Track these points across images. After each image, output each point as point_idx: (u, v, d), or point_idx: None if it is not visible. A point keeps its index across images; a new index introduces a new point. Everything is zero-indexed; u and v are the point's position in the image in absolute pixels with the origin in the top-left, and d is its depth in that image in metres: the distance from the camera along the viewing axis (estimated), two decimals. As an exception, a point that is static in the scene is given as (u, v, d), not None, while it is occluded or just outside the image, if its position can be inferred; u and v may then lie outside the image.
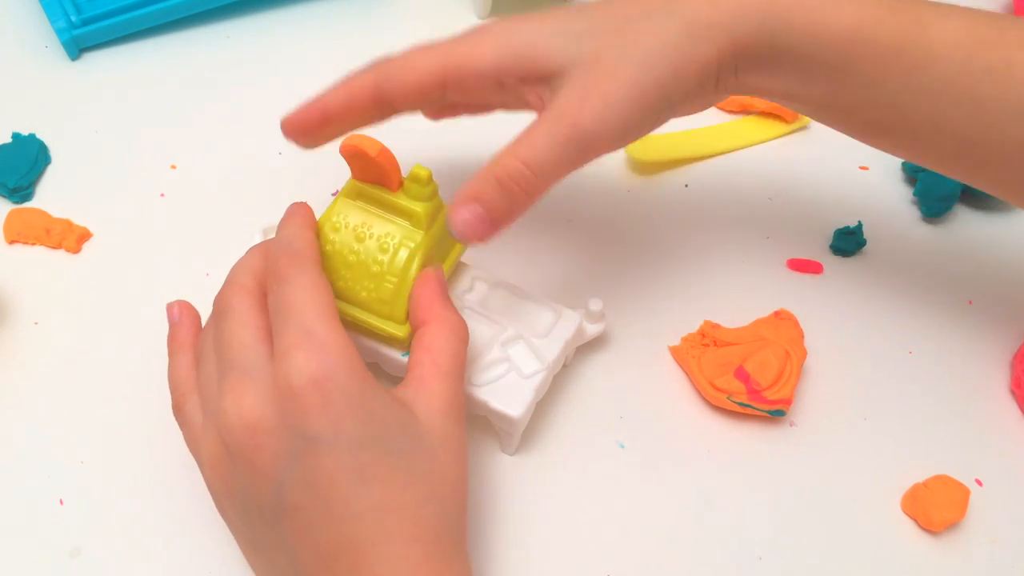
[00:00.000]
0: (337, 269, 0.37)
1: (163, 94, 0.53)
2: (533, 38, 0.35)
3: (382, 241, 0.36)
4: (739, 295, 0.46)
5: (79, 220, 0.47)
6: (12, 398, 0.42)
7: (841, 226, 0.48)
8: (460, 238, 0.34)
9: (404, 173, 0.37)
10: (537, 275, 0.45)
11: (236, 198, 0.48)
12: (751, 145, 0.52)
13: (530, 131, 0.34)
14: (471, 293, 0.41)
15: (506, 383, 0.38)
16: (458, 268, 0.41)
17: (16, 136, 0.50)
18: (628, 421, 0.42)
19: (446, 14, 0.56)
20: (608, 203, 0.49)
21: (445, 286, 0.36)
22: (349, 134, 0.36)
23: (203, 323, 0.37)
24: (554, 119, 0.34)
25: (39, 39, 0.55)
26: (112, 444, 0.40)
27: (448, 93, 0.36)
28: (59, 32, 0.53)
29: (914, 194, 0.50)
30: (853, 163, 0.51)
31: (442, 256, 0.39)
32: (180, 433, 0.35)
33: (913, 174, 0.50)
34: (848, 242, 0.47)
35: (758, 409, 0.41)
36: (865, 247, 0.48)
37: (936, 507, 0.39)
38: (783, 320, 0.43)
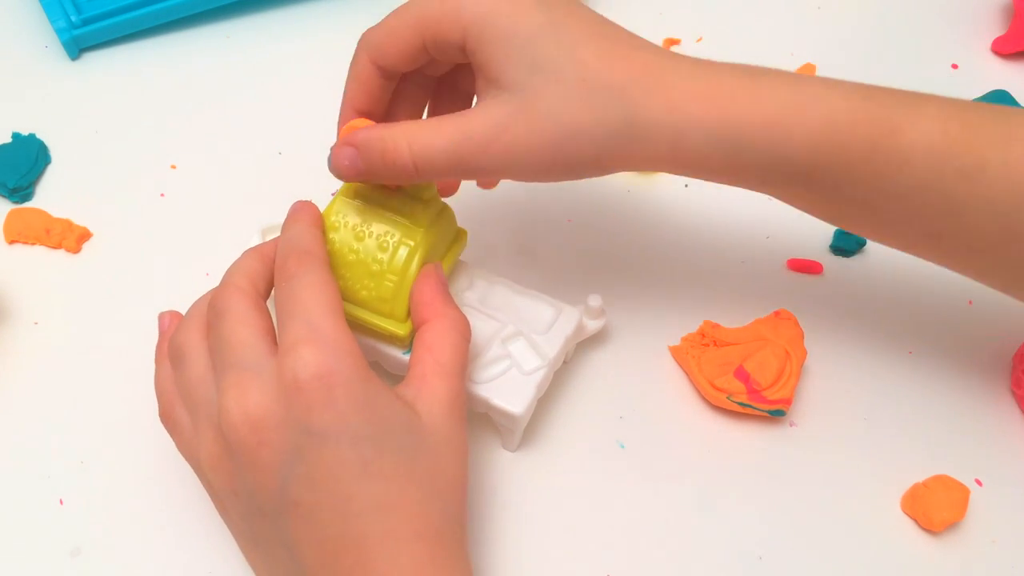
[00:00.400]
0: (337, 268, 0.37)
1: (163, 94, 0.53)
2: (494, 30, 0.33)
3: (381, 240, 0.36)
4: (739, 295, 0.46)
5: (79, 220, 0.47)
6: (12, 398, 0.42)
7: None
8: (332, 171, 0.35)
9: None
10: (537, 275, 0.45)
11: (236, 198, 0.48)
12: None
13: (444, 126, 0.33)
14: (471, 291, 0.41)
15: (507, 380, 0.38)
16: (458, 266, 0.41)
17: (16, 136, 0.50)
18: (628, 421, 0.42)
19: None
20: (608, 203, 0.49)
21: (445, 283, 0.36)
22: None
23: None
24: (457, 128, 0.33)
25: (39, 39, 0.55)
26: (112, 444, 0.40)
27: (429, 52, 0.36)
28: (59, 32, 0.53)
29: (914, 194, 0.50)
30: (853, 163, 0.51)
31: (441, 254, 0.39)
32: (192, 418, 0.35)
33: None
34: (848, 242, 0.47)
35: (758, 409, 0.41)
36: (865, 247, 0.48)
37: (936, 507, 0.39)
38: (783, 320, 0.43)
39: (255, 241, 0.42)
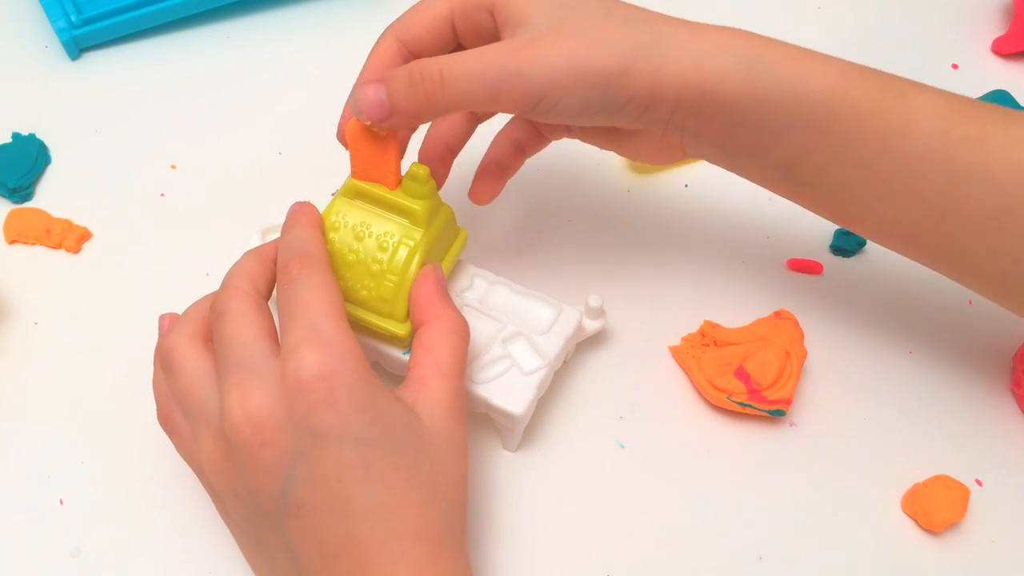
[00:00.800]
0: (337, 268, 0.37)
1: (163, 94, 0.53)
2: None
3: (381, 240, 0.36)
4: (739, 295, 0.46)
5: (79, 220, 0.47)
6: (12, 398, 0.42)
7: (841, 226, 0.48)
8: (356, 111, 0.35)
9: (403, 172, 0.37)
10: (537, 275, 0.45)
11: (236, 198, 0.48)
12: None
13: (468, 52, 0.34)
14: (471, 291, 0.41)
15: (507, 380, 0.38)
16: (457, 266, 0.41)
17: (16, 136, 0.50)
18: (628, 421, 0.42)
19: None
20: (608, 203, 0.49)
21: (444, 284, 0.36)
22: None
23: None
24: (488, 49, 0.34)
25: (39, 39, 0.55)
26: (112, 444, 0.40)
27: (457, 29, 0.37)
28: (59, 32, 0.53)
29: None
30: (853, 163, 0.51)
31: (441, 254, 0.39)
32: (190, 422, 0.35)
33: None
34: (848, 242, 0.47)
35: (758, 409, 0.41)
36: (865, 247, 0.48)
37: (936, 507, 0.39)
38: (783, 320, 0.43)
39: (255, 241, 0.42)
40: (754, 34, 0.35)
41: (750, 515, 0.40)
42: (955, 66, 0.56)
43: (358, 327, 0.37)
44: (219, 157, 0.50)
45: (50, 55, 0.54)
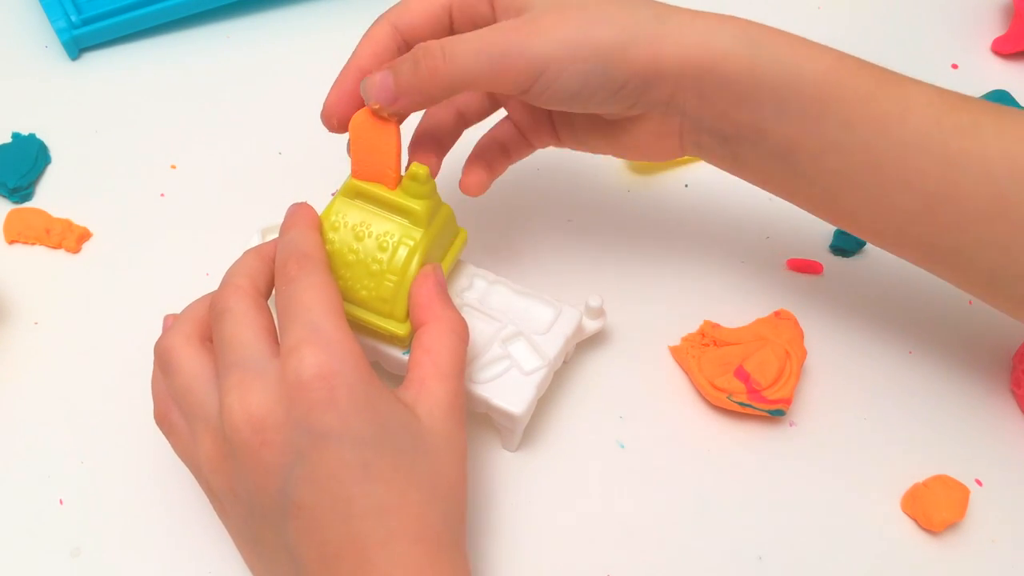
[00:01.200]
0: (337, 268, 0.37)
1: (163, 94, 0.53)
2: None
3: (381, 240, 0.36)
4: (739, 295, 0.46)
5: (79, 220, 0.47)
6: (12, 398, 0.42)
7: (841, 226, 0.48)
8: (364, 95, 0.35)
9: (402, 172, 0.37)
10: (537, 274, 0.45)
11: (236, 198, 0.48)
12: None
13: (470, 33, 0.35)
14: (470, 291, 0.41)
15: (507, 380, 0.38)
16: (457, 266, 0.41)
17: (16, 136, 0.50)
18: (628, 421, 0.42)
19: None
20: (608, 203, 0.49)
21: (444, 285, 0.36)
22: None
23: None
24: (490, 29, 0.35)
25: (39, 39, 0.55)
26: (112, 444, 0.40)
27: (453, 18, 0.37)
28: (59, 32, 0.53)
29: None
30: (853, 163, 0.51)
31: (441, 254, 0.39)
32: (188, 422, 0.35)
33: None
34: (848, 242, 0.47)
35: (758, 409, 0.41)
36: (865, 247, 0.48)
37: (936, 507, 0.39)
38: (783, 320, 0.43)
39: (255, 241, 0.42)
40: (752, 20, 0.36)
41: (750, 515, 0.40)
42: (955, 66, 0.56)
43: (358, 327, 0.37)
44: (219, 157, 0.50)
45: (50, 55, 0.54)
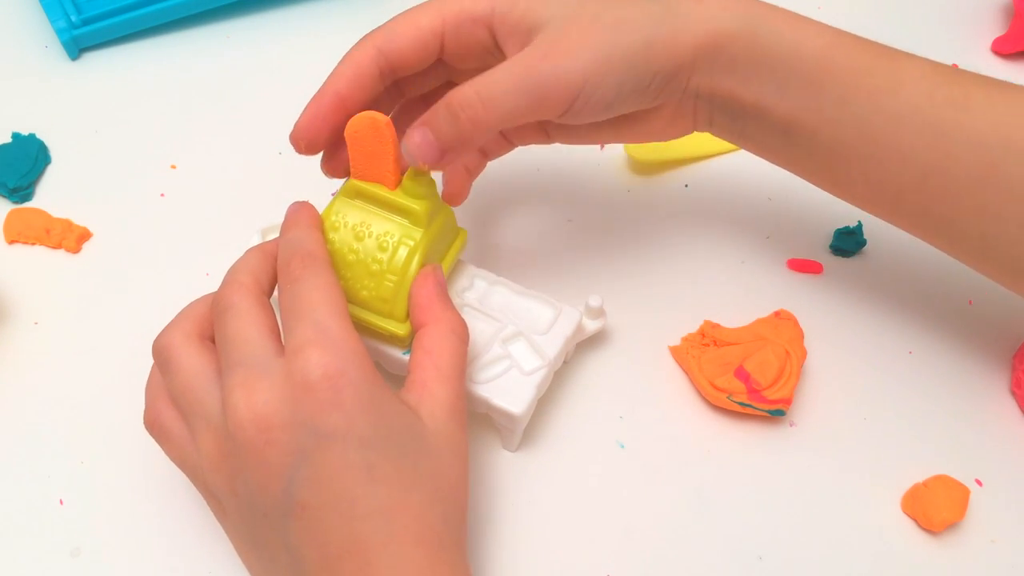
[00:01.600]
0: (337, 268, 0.37)
1: (163, 94, 0.53)
2: None
3: (381, 240, 0.36)
4: (739, 295, 0.46)
5: (79, 220, 0.47)
6: (12, 398, 0.42)
7: (841, 226, 0.48)
8: (410, 160, 0.35)
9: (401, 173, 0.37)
10: (537, 274, 0.45)
11: (236, 198, 0.48)
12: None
13: (492, 69, 0.34)
14: (471, 291, 0.41)
15: (507, 380, 0.38)
16: (457, 266, 0.41)
17: (16, 136, 0.50)
18: (628, 421, 0.42)
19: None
20: (608, 203, 0.49)
21: (444, 285, 0.36)
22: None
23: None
24: (516, 61, 0.34)
25: (39, 39, 0.55)
26: (112, 444, 0.40)
27: (446, 44, 0.37)
28: (59, 32, 0.53)
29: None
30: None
31: (441, 254, 0.39)
32: (187, 420, 0.34)
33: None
34: (848, 242, 0.47)
35: (758, 409, 0.41)
36: (865, 247, 0.48)
37: (936, 507, 0.39)
38: (783, 320, 0.43)
39: (255, 241, 0.42)
40: (753, 0, 0.37)
41: (750, 515, 0.40)
42: (955, 66, 0.55)
43: (358, 327, 0.37)
44: (219, 157, 0.50)
45: (50, 55, 0.54)
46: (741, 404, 0.41)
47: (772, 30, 0.36)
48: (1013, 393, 0.43)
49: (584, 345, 0.43)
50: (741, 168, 0.51)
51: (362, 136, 0.36)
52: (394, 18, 0.37)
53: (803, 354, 0.42)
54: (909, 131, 0.36)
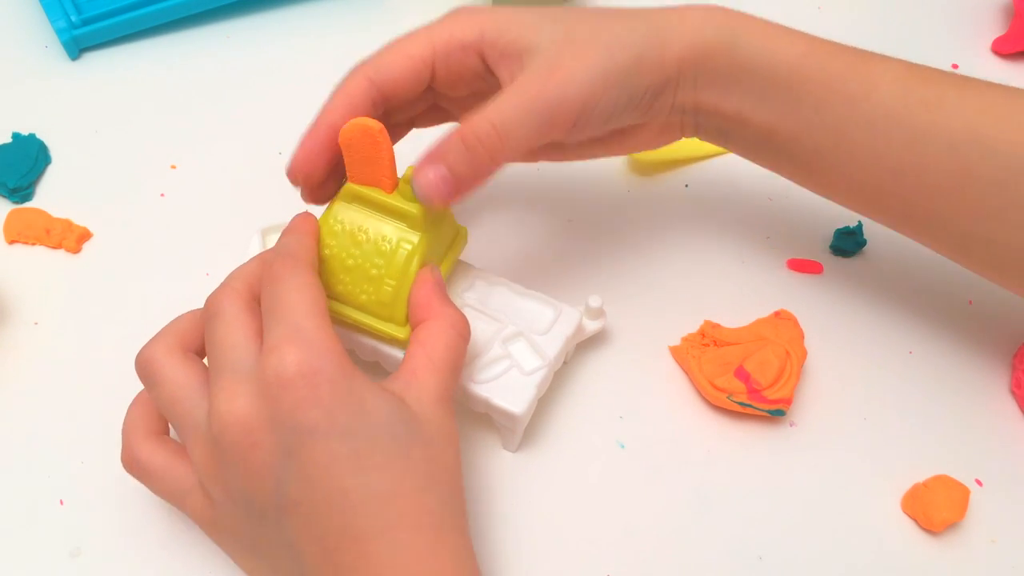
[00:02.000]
0: (336, 273, 0.37)
1: (163, 94, 0.53)
2: (513, 16, 0.37)
3: (379, 244, 0.36)
4: (739, 295, 0.46)
5: (79, 220, 0.47)
6: (12, 398, 0.42)
7: (841, 226, 0.48)
8: (424, 199, 0.35)
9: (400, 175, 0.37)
10: (537, 275, 0.45)
11: (236, 198, 0.48)
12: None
13: (498, 98, 0.35)
14: (471, 291, 0.41)
15: (508, 380, 0.38)
16: (457, 266, 0.41)
17: (16, 136, 0.50)
18: (628, 421, 0.42)
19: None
20: (608, 203, 0.49)
21: (442, 285, 0.36)
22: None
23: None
24: (522, 88, 0.35)
25: (39, 39, 0.55)
26: (112, 444, 0.40)
27: (436, 72, 0.37)
28: (59, 32, 0.53)
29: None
30: (853, 163, 0.51)
31: (440, 255, 0.39)
32: (178, 433, 0.34)
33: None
34: (848, 242, 0.47)
35: (758, 409, 0.41)
36: (865, 247, 0.48)
37: (936, 507, 0.39)
38: (783, 320, 0.43)
39: (255, 241, 0.42)
40: (731, 10, 0.38)
41: (750, 515, 0.40)
42: (955, 66, 0.56)
43: (359, 331, 0.37)
44: (219, 157, 0.50)
45: (50, 55, 0.54)
46: (741, 404, 0.41)
47: (749, 42, 0.37)
48: (1013, 393, 0.43)
49: (584, 345, 0.43)
50: (741, 168, 0.50)
51: (356, 143, 0.36)
52: (385, 48, 0.37)
53: (803, 354, 0.42)
54: (883, 134, 0.37)
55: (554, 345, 0.39)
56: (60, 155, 0.50)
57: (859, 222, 0.48)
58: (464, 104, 0.39)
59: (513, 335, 0.39)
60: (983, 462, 0.41)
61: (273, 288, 0.33)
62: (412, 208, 0.36)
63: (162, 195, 0.49)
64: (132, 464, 0.35)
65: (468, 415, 0.40)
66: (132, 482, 0.39)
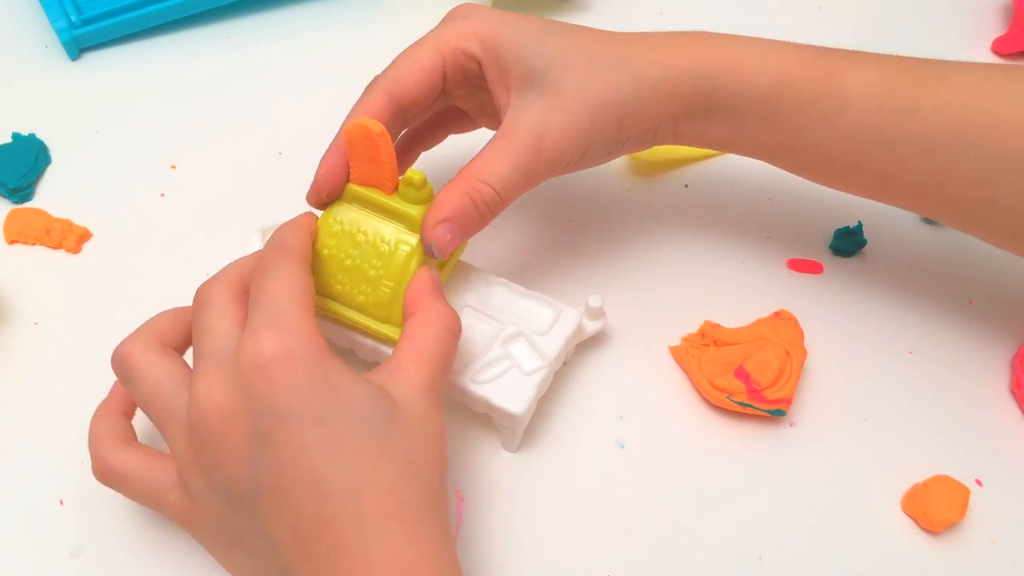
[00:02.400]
0: (335, 273, 0.37)
1: (163, 94, 0.53)
2: (509, 35, 0.38)
3: (378, 245, 0.36)
4: (739, 295, 0.46)
5: (79, 220, 0.47)
6: (12, 398, 0.42)
7: (841, 226, 0.48)
8: (440, 255, 0.36)
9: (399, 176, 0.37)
10: (537, 275, 0.45)
11: (236, 198, 0.48)
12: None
13: (497, 153, 0.37)
14: (471, 292, 0.41)
15: (508, 380, 0.38)
16: (458, 267, 0.41)
17: (16, 136, 0.50)
18: (628, 421, 0.42)
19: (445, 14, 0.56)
20: (608, 203, 0.49)
21: (438, 283, 0.36)
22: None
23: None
24: (520, 145, 0.37)
25: (39, 39, 0.55)
26: (112, 444, 0.40)
27: (447, 79, 0.39)
28: (59, 32, 0.53)
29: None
30: (853, 163, 0.51)
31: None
32: (157, 427, 0.34)
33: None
34: (848, 242, 0.47)
35: (758, 409, 0.41)
36: (865, 247, 0.48)
37: (936, 507, 0.39)
38: (783, 320, 0.43)
39: (255, 241, 0.42)
40: (706, 42, 0.39)
41: (750, 515, 0.40)
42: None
43: (357, 331, 0.37)
44: (219, 157, 0.50)
45: (50, 55, 0.54)
46: (741, 404, 0.41)
47: (725, 83, 0.38)
48: (1013, 393, 0.43)
49: (584, 345, 0.43)
50: (741, 168, 0.51)
51: (357, 143, 0.36)
52: (396, 60, 0.39)
53: (803, 354, 0.42)
54: (861, 145, 0.38)
55: (554, 345, 0.39)
56: (60, 155, 0.50)
57: (859, 222, 0.48)
58: (472, 102, 0.42)
59: (513, 335, 0.39)
60: (983, 462, 0.41)
61: (261, 277, 0.33)
62: (412, 210, 0.36)
63: (162, 195, 0.49)
64: (105, 473, 0.34)
65: (468, 415, 0.40)
66: (132, 482, 0.39)
